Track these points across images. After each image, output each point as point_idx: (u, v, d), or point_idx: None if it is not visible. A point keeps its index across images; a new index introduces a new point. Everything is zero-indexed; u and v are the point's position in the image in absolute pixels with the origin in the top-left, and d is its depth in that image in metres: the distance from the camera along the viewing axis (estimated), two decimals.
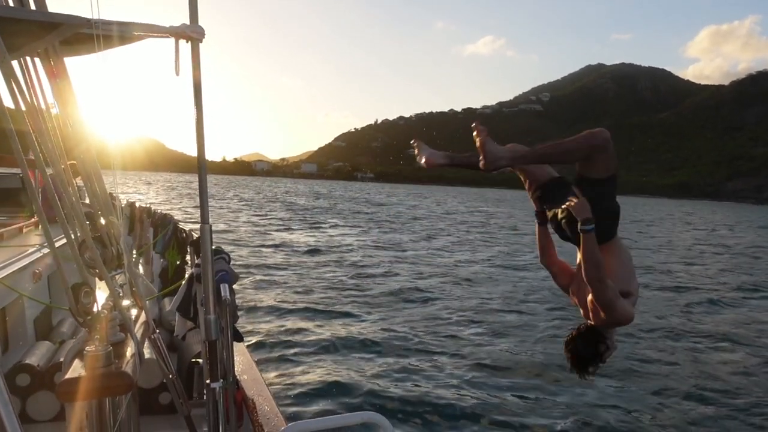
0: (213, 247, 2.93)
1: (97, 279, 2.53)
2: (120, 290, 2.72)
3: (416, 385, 9.65)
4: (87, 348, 2.15)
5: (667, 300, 18.59)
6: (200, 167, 2.43)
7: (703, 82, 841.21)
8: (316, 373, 9.95)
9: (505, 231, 45.65)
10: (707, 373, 11.09)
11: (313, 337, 12.15)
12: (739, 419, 9.00)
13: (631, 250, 3.03)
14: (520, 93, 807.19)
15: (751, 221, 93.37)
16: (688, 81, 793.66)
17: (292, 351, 11.20)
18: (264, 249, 26.38)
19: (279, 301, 15.39)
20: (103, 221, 2.61)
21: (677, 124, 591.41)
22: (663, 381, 10.53)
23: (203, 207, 2.48)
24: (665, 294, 19.78)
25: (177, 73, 2.41)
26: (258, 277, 18.86)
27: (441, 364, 10.92)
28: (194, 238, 5.30)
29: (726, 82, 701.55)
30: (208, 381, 2.40)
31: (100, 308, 2.43)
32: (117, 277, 2.71)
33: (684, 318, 15.97)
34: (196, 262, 3.02)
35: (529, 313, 15.44)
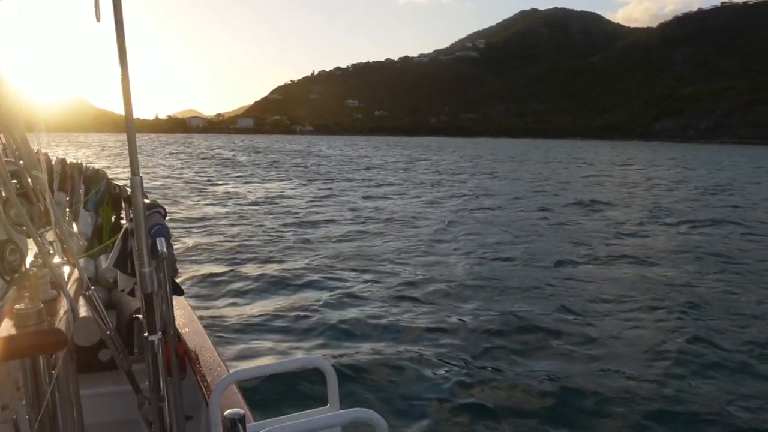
0: (147, 201, 2.86)
1: (27, 238, 2.44)
2: (50, 247, 2.64)
3: (361, 330, 9.85)
4: (16, 307, 2.09)
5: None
6: (127, 116, 2.35)
7: (632, 25, 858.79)
8: (259, 323, 10.04)
9: (448, 175, 46.34)
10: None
11: (255, 288, 12.27)
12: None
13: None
14: (457, 40, 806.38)
15: (677, 159, 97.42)
16: (618, 24, 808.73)
17: (234, 302, 11.25)
18: (202, 204, 26.08)
19: (220, 254, 15.40)
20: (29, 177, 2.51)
21: (608, 67, 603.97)
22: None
23: (133, 159, 2.41)
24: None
25: (98, 18, 2.30)
26: (197, 232, 18.72)
27: (382, 303, 11.27)
28: (128, 193, 5.15)
29: (654, 25, 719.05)
30: (146, 334, 2.37)
31: (28, 266, 2.36)
32: (46, 234, 2.63)
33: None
34: (131, 216, 2.95)
35: (458, 251, 15.84)
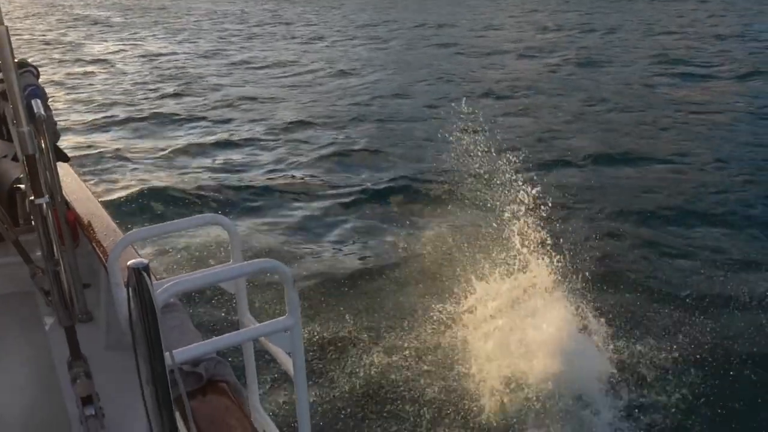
0: (16, 59, 2.61)
1: None
2: None
3: (248, 179, 9.99)
4: None
5: None
6: None
7: None
8: (149, 182, 9.86)
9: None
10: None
11: (140, 148, 12.03)
12: None
13: None
14: None
15: None
16: None
17: (120, 164, 10.94)
18: (74, 66, 24.17)
19: (99, 116, 14.81)
20: None
21: None
22: None
23: None
24: None
25: None
26: (72, 95, 17.65)
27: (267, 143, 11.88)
28: None
29: None
30: (32, 198, 2.25)
31: None
32: None
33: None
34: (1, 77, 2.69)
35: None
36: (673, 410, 5.05)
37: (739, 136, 12.62)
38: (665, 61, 21.37)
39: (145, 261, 1.30)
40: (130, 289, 1.31)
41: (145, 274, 1.28)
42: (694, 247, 7.99)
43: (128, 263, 1.29)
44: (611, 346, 5.69)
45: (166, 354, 1.40)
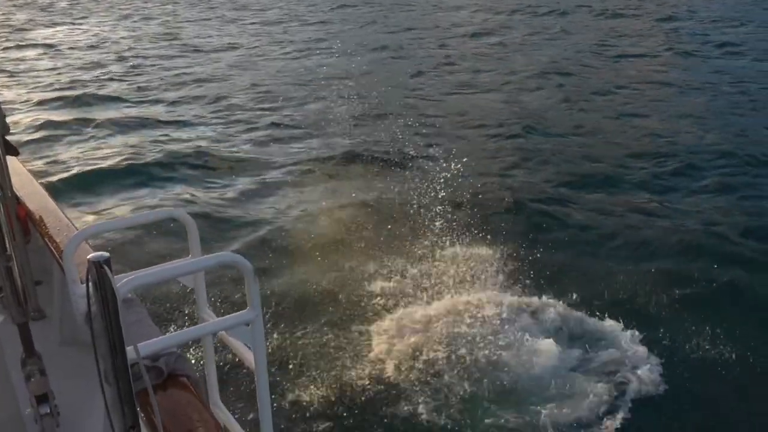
0: None
1: None
2: None
3: (219, 171, 9.88)
4: None
5: None
6: None
7: None
8: (103, 172, 9.66)
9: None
10: None
11: (89, 132, 11.95)
12: None
13: None
14: None
15: None
16: None
17: (70, 154, 10.66)
18: (14, 52, 23.41)
19: (44, 103, 14.45)
20: None
21: None
22: None
23: None
24: None
25: None
26: (16, 81, 17.09)
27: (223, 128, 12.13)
28: None
29: None
30: None
31: None
32: None
33: None
34: None
35: None
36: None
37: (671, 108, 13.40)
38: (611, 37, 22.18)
39: (106, 254, 1.28)
40: (90, 283, 1.30)
41: (106, 268, 1.26)
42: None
43: (88, 257, 1.27)
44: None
45: (130, 348, 1.39)
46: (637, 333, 5.73)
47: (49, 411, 2.46)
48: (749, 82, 15.32)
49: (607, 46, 21.34)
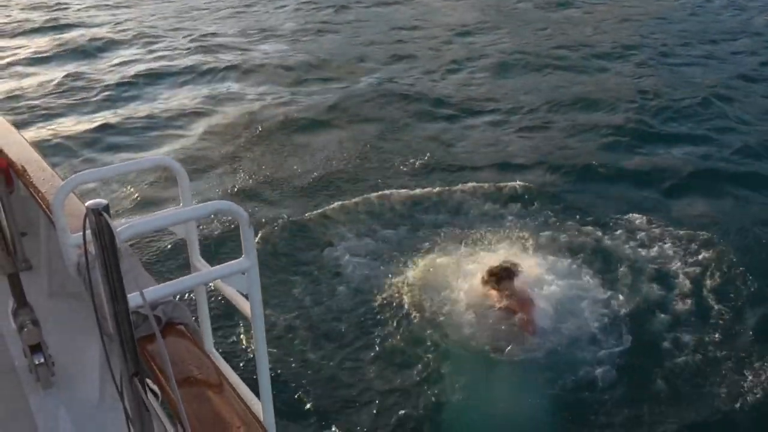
0: None
1: None
2: None
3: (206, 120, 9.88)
4: None
5: None
6: None
7: None
8: (91, 129, 9.42)
9: None
10: None
11: (70, 86, 11.60)
12: None
13: None
14: None
15: None
16: None
17: (53, 108, 10.43)
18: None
19: (24, 61, 13.93)
20: None
21: None
22: None
23: None
24: None
25: None
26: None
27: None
28: None
29: None
30: None
31: None
32: None
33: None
34: None
35: None
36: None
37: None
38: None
39: (104, 201, 1.25)
40: (89, 231, 1.27)
41: (105, 215, 1.23)
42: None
43: (87, 204, 1.24)
44: None
45: (135, 294, 1.37)
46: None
47: (43, 360, 2.46)
48: None
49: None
